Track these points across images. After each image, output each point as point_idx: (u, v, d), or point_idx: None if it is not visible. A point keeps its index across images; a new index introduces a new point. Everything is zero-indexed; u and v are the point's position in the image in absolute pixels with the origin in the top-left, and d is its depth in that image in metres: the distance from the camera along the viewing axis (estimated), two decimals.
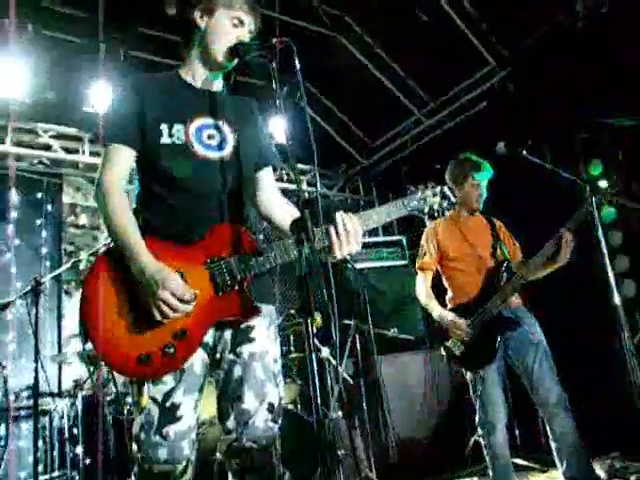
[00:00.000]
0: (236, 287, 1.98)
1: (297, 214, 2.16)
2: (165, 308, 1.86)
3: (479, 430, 3.52)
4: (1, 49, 4.92)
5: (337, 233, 1.95)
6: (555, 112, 5.34)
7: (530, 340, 3.44)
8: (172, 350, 1.90)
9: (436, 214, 2.16)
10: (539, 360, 3.38)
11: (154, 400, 1.94)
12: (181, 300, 1.87)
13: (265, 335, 2.10)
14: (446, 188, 2.18)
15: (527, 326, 3.49)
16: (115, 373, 3.84)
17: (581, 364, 4.62)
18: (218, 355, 2.06)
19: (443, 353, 3.63)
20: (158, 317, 1.87)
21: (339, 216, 1.97)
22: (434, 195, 2.16)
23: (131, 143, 2.07)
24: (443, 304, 3.73)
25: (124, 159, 2.07)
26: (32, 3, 5.05)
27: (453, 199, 2.20)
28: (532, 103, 5.54)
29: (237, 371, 2.03)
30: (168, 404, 1.95)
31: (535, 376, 3.36)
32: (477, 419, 3.52)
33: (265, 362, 2.06)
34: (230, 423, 2.01)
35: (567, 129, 5.39)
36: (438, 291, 3.81)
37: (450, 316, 3.55)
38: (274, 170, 2.41)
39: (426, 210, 2.14)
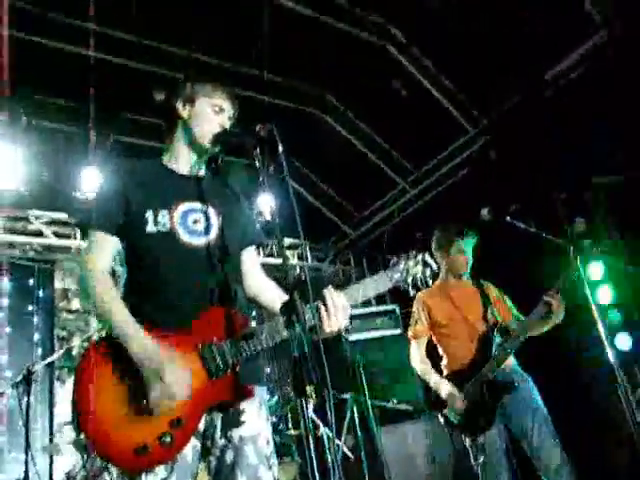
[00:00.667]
0: (229, 371, 1.97)
1: (281, 293, 2.20)
2: (159, 399, 1.84)
3: None
4: None
5: (326, 310, 1.97)
6: (536, 174, 5.48)
7: (527, 404, 3.40)
8: (169, 439, 1.85)
9: (419, 283, 2.17)
10: (538, 425, 3.32)
11: None
12: (174, 393, 1.86)
13: (256, 417, 2.07)
14: (427, 256, 2.20)
15: (524, 390, 3.45)
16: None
17: (581, 424, 4.54)
18: (209, 441, 2.02)
19: (442, 420, 3.60)
20: (152, 405, 1.84)
21: (327, 293, 1.99)
22: (416, 264, 2.18)
23: (115, 230, 2.08)
24: (439, 370, 3.71)
25: (108, 247, 2.08)
26: (25, 95, 5.24)
27: (435, 266, 2.21)
28: (512, 168, 5.69)
29: (229, 456, 1.99)
30: None
31: (535, 441, 3.30)
32: None
33: (257, 446, 2.03)
34: None
35: (549, 190, 5.51)
36: (433, 358, 3.80)
37: (446, 386, 3.53)
38: (258, 249, 2.44)
39: (409, 281, 2.16)
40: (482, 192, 5.57)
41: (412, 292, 2.17)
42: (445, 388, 3.53)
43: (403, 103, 6.03)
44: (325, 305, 1.97)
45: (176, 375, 1.87)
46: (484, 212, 3.59)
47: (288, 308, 1.71)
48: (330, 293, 1.99)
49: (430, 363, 3.77)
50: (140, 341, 1.89)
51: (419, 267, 2.18)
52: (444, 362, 3.75)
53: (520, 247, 4.26)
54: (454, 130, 6.28)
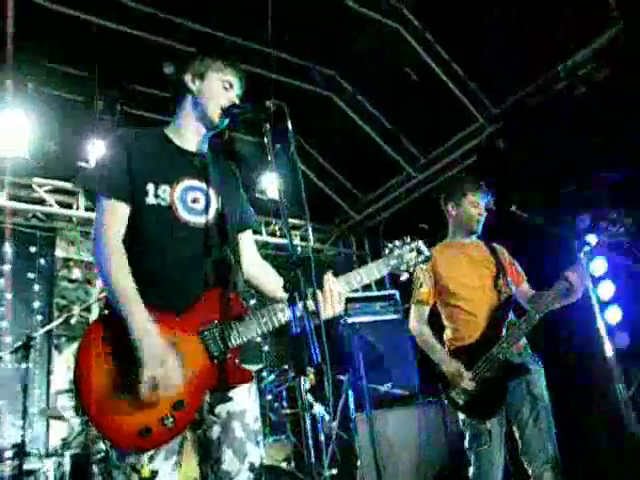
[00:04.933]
0: (229, 355, 1.98)
1: (278, 277, 2.25)
2: (149, 386, 1.82)
3: None
4: (1, 106, 5.03)
5: (324, 295, 2.01)
6: (543, 167, 5.46)
7: (530, 390, 3.15)
8: (171, 421, 1.87)
9: (412, 269, 2.28)
10: (535, 414, 3.10)
11: (133, 468, 1.88)
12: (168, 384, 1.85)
13: (245, 394, 2.09)
14: (421, 243, 2.31)
15: (533, 375, 3.19)
16: None
17: (577, 416, 4.56)
18: (197, 416, 2.02)
19: (446, 402, 3.27)
20: (143, 390, 1.82)
21: (326, 279, 2.04)
22: (410, 251, 2.28)
23: (127, 200, 2.06)
24: (440, 342, 3.38)
25: (122, 216, 2.05)
26: (32, 62, 5.20)
27: (427, 253, 2.32)
28: (520, 159, 5.67)
29: (216, 431, 2.01)
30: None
31: (528, 431, 3.09)
32: (471, 474, 3.18)
33: (244, 421, 2.04)
34: None
35: (555, 183, 5.49)
36: (434, 327, 3.45)
37: (452, 362, 3.19)
38: (254, 233, 2.47)
39: (403, 268, 2.27)
40: (489, 182, 5.54)
41: (404, 277, 2.28)
42: (451, 365, 3.18)
43: (414, 88, 6.00)
44: (323, 292, 2.02)
45: (173, 367, 1.86)
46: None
47: (291, 285, 1.71)
48: (328, 279, 2.05)
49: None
50: (143, 325, 1.87)
51: (413, 254, 2.28)
52: (448, 334, 3.41)
53: (522, 238, 4.22)
54: (463, 118, 6.25)
